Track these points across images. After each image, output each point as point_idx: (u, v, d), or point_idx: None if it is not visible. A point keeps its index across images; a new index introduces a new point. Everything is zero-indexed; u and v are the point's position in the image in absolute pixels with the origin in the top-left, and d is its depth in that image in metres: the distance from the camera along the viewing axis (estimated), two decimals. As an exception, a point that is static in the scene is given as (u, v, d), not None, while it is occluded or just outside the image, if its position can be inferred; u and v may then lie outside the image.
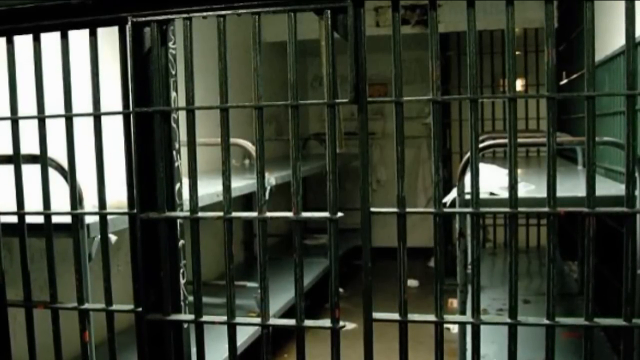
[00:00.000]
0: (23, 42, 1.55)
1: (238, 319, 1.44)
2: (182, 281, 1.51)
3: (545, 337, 1.31)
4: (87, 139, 1.55)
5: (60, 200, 1.67)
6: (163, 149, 1.45)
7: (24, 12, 1.48)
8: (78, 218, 1.58)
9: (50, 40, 1.55)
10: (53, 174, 1.68)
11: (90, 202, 1.79)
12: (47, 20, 1.48)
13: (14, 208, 1.57)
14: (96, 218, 1.61)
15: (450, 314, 1.41)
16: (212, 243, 3.62)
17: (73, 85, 1.52)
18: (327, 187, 1.36)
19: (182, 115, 1.46)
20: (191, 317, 1.46)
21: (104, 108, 1.50)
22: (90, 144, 1.49)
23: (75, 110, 1.52)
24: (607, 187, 2.65)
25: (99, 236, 1.56)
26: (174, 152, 1.49)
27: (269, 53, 4.87)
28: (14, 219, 1.58)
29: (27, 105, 1.59)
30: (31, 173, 1.61)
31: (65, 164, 1.58)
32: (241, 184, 3.36)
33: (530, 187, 2.41)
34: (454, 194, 2.58)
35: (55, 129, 1.61)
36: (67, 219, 1.58)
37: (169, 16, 1.41)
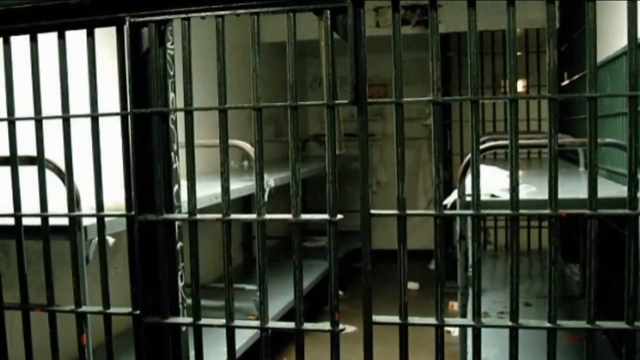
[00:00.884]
0: (20, 43, 1.54)
1: (237, 322, 1.44)
2: (181, 284, 1.51)
3: (547, 340, 1.31)
4: (84, 141, 1.54)
5: (58, 202, 1.66)
6: (161, 150, 1.45)
7: (21, 12, 1.48)
8: (75, 220, 1.58)
9: (48, 40, 1.54)
10: (50, 175, 1.67)
11: (87, 204, 1.78)
12: (45, 21, 1.47)
13: (11, 210, 1.56)
14: (94, 220, 1.61)
15: (451, 316, 1.40)
16: (211, 245, 3.61)
17: (70, 86, 1.52)
18: (327, 189, 1.35)
19: (180, 117, 1.46)
20: (189, 320, 1.46)
21: (101, 109, 1.49)
22: (88, 146, 1.49)
23: (72, 111, 1.51)
24: (609, 189, 2.64)
25: (97, 238, 1.56)
26: (172, 154, 1.49)
27: (268, 54, 4.87)
28: (10, 221, 1.57)
29: (24, 106, 1.58)
30: (28, 175, 1.60)
31: (62, 165, 1.58)
32: (240, 185, 3.36)
33: (532, 189, 2.40)
34: (454, 195, 2.57)
35: (53, 130, 1.60)
36: (65, 221, 1.58)
37: (167, 16, 1.41)
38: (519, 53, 5.94)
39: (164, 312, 1.46)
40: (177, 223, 1.49)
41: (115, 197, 1.68)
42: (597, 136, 1.28)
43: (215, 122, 1.40)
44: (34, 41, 1.51)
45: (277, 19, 1.44)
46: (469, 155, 1.46)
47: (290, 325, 1.41)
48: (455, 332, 3.64)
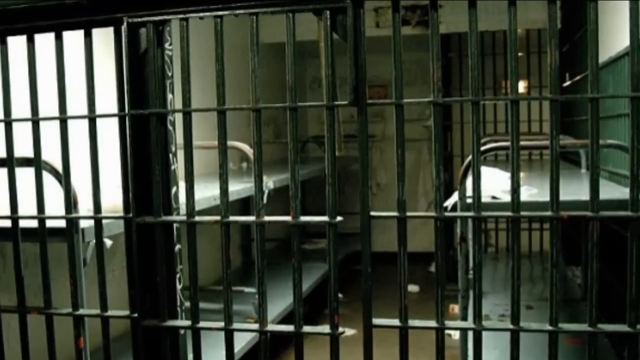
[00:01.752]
0: (17, 43, 1.54)
1: (235, 325, 1.44)
2: (179, 286, 1.50)
3: (548, 344, 1.30)
4: (82, 142, 1.53)
5: (55, 204, 1.66)
6: (159, 151, 1.44)
7: (17, 12, 1.47)
8: (73, 222, 1.57)
9: (45, 41, 1.53)
10: (47, 177, 1.67)
11: (85, 206, 1.78)
12: (41, 21, 1.46)
13: (8, 212, 1.55)
14: (91, 222, 1.60)
15: (452, 319, 1.40)
16: (209, 248, 3.60)
17: (68, 87, 1.51)
18: (326, 191, 1.35)
19: (178, 118, 1.45)
20: (188, 323, 1.45)
21: (99, 110, 1.49)
22: (85, 147, 1.48)
23: (70, 112, 1.51)
24: (611, 191, 2.64)
25: (94, 240, 1.56)
26: (171, 155, 1.48)
27: (267, 54, 4.86)
28: (7, 223, 1.56)
29: (20, 107, 1.57)
30: (25, 176, 1.59)
31: (59, 167, 1.57)
32: (239, 187, 3.36)
33: (533, 191, 2.39)
34: (455, 197, 2.57)
35: (50, 132, 1.60)
36: (62, 223, 1.57)
37: (166, 17, 1.40)
38: (520, 54, 5.95)
39: (162, 315, 1.45)
40: (175, 225, 1.48)
41: (113, 199, 1.67)
42: (599, 137, 1.27)
43: (214, 124, 1.39)
44: (30, 42, 1.51)
45: (276, 19, 1.43)
46: (470, 157, 1.45)
47: (290, 328, 1.40)
48: (456, 335, 3.64)
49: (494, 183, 2.38)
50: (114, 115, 1.45)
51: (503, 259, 5.67)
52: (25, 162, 1.61)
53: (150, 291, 1.45)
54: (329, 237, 1.35)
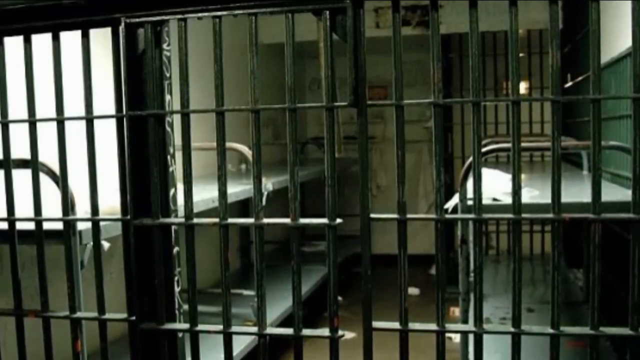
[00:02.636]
0: (13, 44, 1.53)
1: (234, 328, 1.43)
2: (177, 289, 1.50)
3: (550, 347, 1.29)
4: (79, 143, 1.53)
5: (52, 206, 1.65)
6: (157, 153, 1.44)
7: (14, 12, 1.46)
8: (70, 224, 1.57)
9: (42, 41, 1.53)
10: (44, 179, 1.66)
11: (82, 208, 1.78)
12: (38, 21, 1.46)
13: (4, 214, 1.55)
14: (88, 224, 1.60)
15: (452, 322, 1.39)
16: (208, 250, 3.59)
17: (65, 88, 1.50)
18: (326, 193, 1.34)
19: (176, 119, 1.44)
20: (186, 326, 1.45)
21: (96, 111, 1.48)
22: (83, 148, 1.47)
23: (67, 114, 1.50)
24: (613, 193, 2.63)
25: (92, 243, 1.55)
26: (169, 157, 1.48)
27: (266, 55, 4.86)
28: (4, 226, 1.56)
29: (17, 108, 1.57)
30: (22, 178, 1.59)
31: (56, 168, 1.57)
32: (237, 189, 3.35)
33: (534, 193, 2.39)
34: (455, 199, 2.56)
35: (47, 133, 1.59)
36: (59, 226, 1.57)
37: (164, 17, 1.39)
38: (521, 54, 5.95)
39: (160, 318, 1.44)
40: (173, 227, 1.48)
41: (111, 200, 1.67)
42: (601, 139, 1.27)
43: (212, 125, 1.39)
44: (27, 42, 1.50)
45: (275, 19, 1.43)
46: (471, 158, 1.45)
47: (289, 331, 1.39)
48: (456, 338, 3.63)
49: (495, 185, 2.38)
50: (111, 116, 1.44)
51: (504, 261, 5.67)
52: (22, 163, 1.61)
53: (148, 294, 1.44)
54: (329, 239, 1.34)
